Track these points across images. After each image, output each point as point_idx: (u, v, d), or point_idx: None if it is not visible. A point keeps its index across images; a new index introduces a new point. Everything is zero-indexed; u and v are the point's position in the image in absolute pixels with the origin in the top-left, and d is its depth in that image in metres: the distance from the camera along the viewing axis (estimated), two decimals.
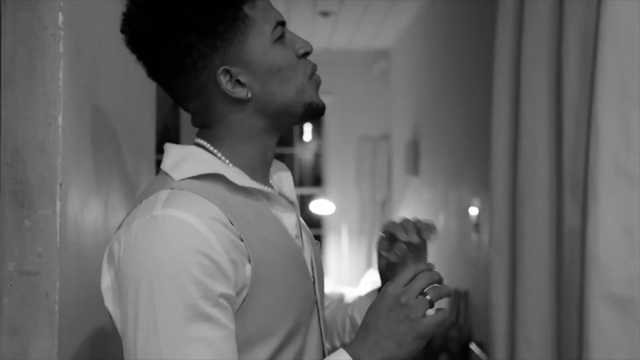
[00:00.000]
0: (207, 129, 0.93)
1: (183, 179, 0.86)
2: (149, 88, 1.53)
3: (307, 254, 0.99)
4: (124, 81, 1.30)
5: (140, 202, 0.86)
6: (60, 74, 0.97)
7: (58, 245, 0.94)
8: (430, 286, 0.91)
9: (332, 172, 6.05)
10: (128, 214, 0.87)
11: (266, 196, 0.93)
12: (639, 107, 1.38)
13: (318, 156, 6.35)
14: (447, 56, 3.95)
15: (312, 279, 0.98)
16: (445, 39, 4.00)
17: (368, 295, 1.15)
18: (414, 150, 4.64)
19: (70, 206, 0.99)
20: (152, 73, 0.92)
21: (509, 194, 1.91)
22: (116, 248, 0.83)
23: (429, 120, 4.38)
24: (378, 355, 0.86)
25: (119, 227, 0.86)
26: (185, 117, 2.82)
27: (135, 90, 1.40)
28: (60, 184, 0.96)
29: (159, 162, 2.82)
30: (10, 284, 0.94)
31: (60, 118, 0.97)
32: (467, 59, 3.44)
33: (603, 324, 1.41)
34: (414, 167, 4.64)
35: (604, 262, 1.41)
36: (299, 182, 6.29)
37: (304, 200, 6.07)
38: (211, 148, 0.92)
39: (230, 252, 0.82)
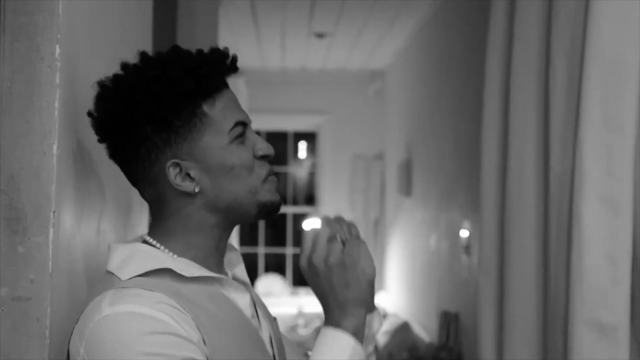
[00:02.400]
0: (158, 223, 0.96)
1: (131, 278, 0.88)
2: None
3: (265, 332, 1.00)
4: None
5: (86, 307, 0.88)
6: (56, 104, 0.99)
7: (50, 271, 0.96)
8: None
9: (325, 191, 6.07)
10: (77, 321, 0.88)
11: (218, 281, 0.95)
12: (622, 136, 1.41)
13: (312, 175, 6.37)
14: (439, 78, 4.00)
15: (273, 356, 0.99)
16: (438, 61, 4.05)
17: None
18: (407, 171, 4.67)
19: (62, 233, 1.01)
20: (112, 155, 0.96)
21: (498, 218, 1.94)
22: (73, 349, 0.85)
23: (421, 141, 4.42)
24: (351, 307, 0.88)
25: (73, 329, 0.87)
26: None
27: None
28: (54, 212, 0.98)
29: None
30: (2, 309, 0.95)
31: (55, 147, 0.99)
32: (459, 82, 3.49)
33: (587, 349, 1.43)
34: (406, 188, 4.67)
35: (588, 288, 1.44)
36: (292, 201, 6.31)
37: (297, 219, 6.09)
38: (158, 245, 0.94)
39: (189, 331, 0.84)
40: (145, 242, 0.95)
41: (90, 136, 1.02)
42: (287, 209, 6.17)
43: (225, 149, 0.92)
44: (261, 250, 6.20)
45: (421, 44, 4.48)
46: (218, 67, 0.93)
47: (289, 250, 6.19)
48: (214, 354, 0.85)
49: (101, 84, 0.94)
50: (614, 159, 1.42)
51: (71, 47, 1.04)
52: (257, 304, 1.02)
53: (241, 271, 1.03)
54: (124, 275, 0.88)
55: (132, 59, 0.95)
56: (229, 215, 0.95)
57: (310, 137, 6.28)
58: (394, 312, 4.74)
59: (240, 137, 0.94)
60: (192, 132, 0.91)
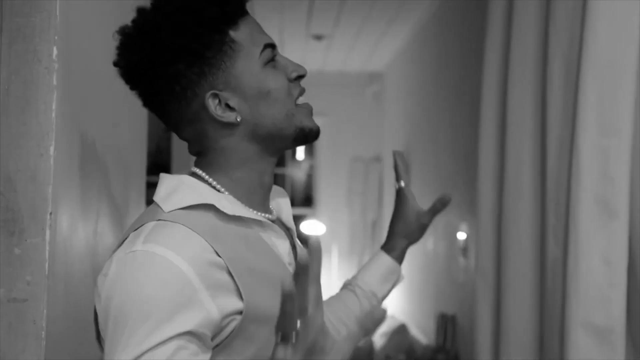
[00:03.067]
0: (203, 157, 0.94)
1: (172, 210, 0.86)
2: (140, 114, 1.56)
3: None
4: (114, 109, 1.33)
5: (129, 234, 0.87)
6: (54, 106, 1.00)
7: (46, 273, 0.96)
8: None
9: (323, 193, 6.07)
10: (119, 245, 0.87)
11: (259, 224, 0.93)
12: (618, 139, 1.41)
13: (310, 176, 6.38)
14: (437, 81, 4.00)
15: None
16: (436, 63, 4.06)
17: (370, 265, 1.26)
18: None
19: (59, 234, 1.01)
20: (146, 102, 0.93)
21: (495, 220, 1.94)
22: (100, 279, 0.84)
23: (419, 144, 4.43)
24: None
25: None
26: (177, 139, 2.84)
27: (126, 116, 1.43)
28: (50, 213, 0.98)
29: (150, 185, 2.85)
30: None
31: (52, 148, 0.99)
32: (457, 84, 3.49)
33: (583, 352, 1.44)
34: None
35: (584, 291, 1.44)
36: (290, 203, 6.31)
37: (295, 221, 6.08)
38: (206, 177, 0.92)
39: (211, 288, 0.81)
40: (194, 174, 0.93)
41: (87, 137, 1.02)
42: None
43: (259, 74, 0.91)
44: None
45: (419, 46, 4.48)
46: None
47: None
48: (248, 304, 0.83)
49: (122, 31, 0.91)
50: (610, 162, 1.42)
51: (68, 48, 1.05)
52: (298, 249, 1.00)
53: (287, 215, 1.02)
54: (167, 207, 0.87)
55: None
56: (270, 144, 0.93)
57: None
58: (391, 314, 4.74)
59: (272, 61, 0.93)
60: (225, 61, 0.89)
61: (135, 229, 0.86)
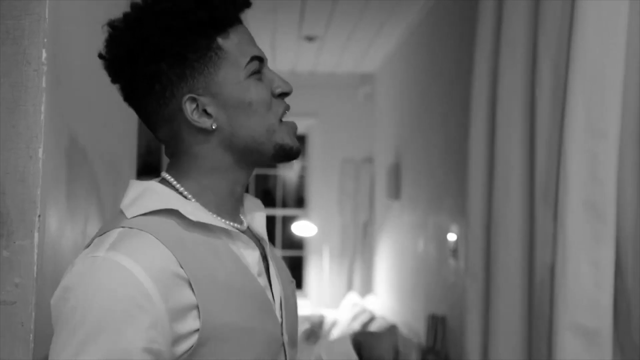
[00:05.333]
0: (175, 161, 0.92)
1: (135, 217, 0.84)
2: (129, 115, 1.56)
3: (276, 293, 0.95)
4: (104, 110, 1.33)
5: (94, 240, 0.85)
6: (42, 108, 1.00)
7: (35, 275, 0.96)
8: None
9: (314, 194, 6.07)
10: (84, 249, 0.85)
11: (226, 233, 0.91)
12: (605, 141, 1.43)
13: (301, 177, 6.38)
14: (428, 83, 4.01)
15: (280, 319, 0.94)
16: (427, 65, 4.07)
17: (337, 339, 1.14)
18: (396, 175, 4.69)
19: (48, 236, 1.01)
20: (126, 97, 0.92)
21: (485, 222, 1.95)
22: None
23: (410, 145, 4.44)
24: None
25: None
26: None
27: (115, 118, 1.43)
28: (39, 215, 0.98)
29: None
30: None
31: (40, 151, 0.99)
32: (448, 86, 3.51)
33: (570, 353, 1.45)
34: (395, 191, 4.68)
35: (572, 293, 1.45)
36: (282, 204, 6.32)
37: (286, 222, 6.09)
38: (174, 182, 0.90)
39: (170, 302, 0.79)
40: (163, 179, 0.92)
41: (76, 139, 1.02)
42: (277, 212, 6.17)
43: (242, 84, 0.89)
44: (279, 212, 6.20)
45: (411, 48, 4.49)
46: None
47: (279, 253, 6.19)
48: (209, 317, 0.81)
49: (111, 24, 0.90)
50: (598, 165, 1.44)
51: (58, 51, 1.05)
52: (271, 260, 0.98)
53: (260, 226, 0.98)
54: (130, 212, 0.85)
55: None
56: (246, 156, 0.91)
57: (300, 140, 6.25)
58: (381, 315, 4.75)
59: (257, 74, 0.91)
60: (208, 66, 0.88)
61: (100, 235, 0.84)
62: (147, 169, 2.98)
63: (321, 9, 3.97)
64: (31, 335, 0.95)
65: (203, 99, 0.88)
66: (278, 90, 0.93)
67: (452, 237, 3.29)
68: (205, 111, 0.89)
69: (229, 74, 0.89)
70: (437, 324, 3.47)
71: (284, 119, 0.94)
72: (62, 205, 1.08)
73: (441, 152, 3.59)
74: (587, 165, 1.45)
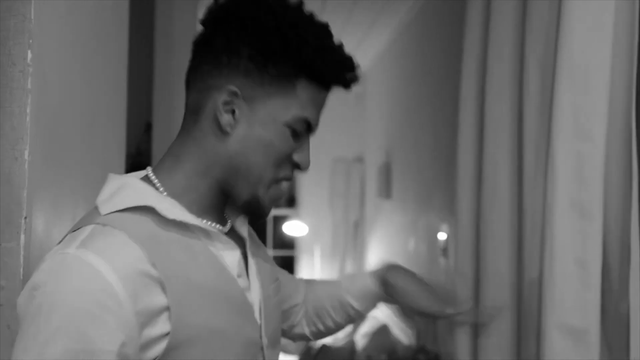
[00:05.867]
0: (168, 153, 0.90)
1: (109, 213, 0.82)
2: (118, 116, 1.56)
3: (255, 294, 0.93)
4: (91, 111, 1.32)
5: (66, 235, 0.83)
6: (28, 110, 0.99)
7: (21, 277, 0.96)
8: None
9: (305, 193, 6.07)
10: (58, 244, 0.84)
11: (205, 233, 0.88)
12: (592, 143, 1.43)
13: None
14: (419, 82, 4.02)
15: (259, 322, 0.92)
16: (418, 65, 4.08)
17: (359, 278, 1.19)
18: (387, 174, 4.69)
19: (34, 238, 1.01)
20: (198, 43, 0.89)
21: (474, 222, 1.96)
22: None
23: (401, 145, 4.44)
24: None
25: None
26: (157, 141, 2.83)
27: (103, 118, 1.42)
28: (25, 217, 0.97)
29: None
30: None
31: (26, 152, 0.99)
32: (438, 85, 3.51)
33: (558, 353, 1.45)
34: (386, 191, 4.69)
35: (559, 293, 1.46)
36: None
37: (277, 221, 6.08)
38: (154, 179, 0.88)
39: (140, 304, 0.77)
40: (146, 176, 0.90)
41: (62, 140, 1.02)
42: None
43: (279, 125, 0.87)
44: None
45: (401, 48, 4.50)
46: (347, 73, 0.94)
47: (269, 252, 6.18)
48: (184, 318, 0.79)
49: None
50: (585, 166, 1.44)
51: (43, 51, 1.04)
52: (252, 259, 0.96)
53: (241, 225, 0.97)
54: (104, 209, 0.83)
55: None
56: (228, 182, 0.89)
57: None
58: (372, 315, 4.76)
59: (297, 134, 0.90)
60: (272, 87, 0.86)
61: (74, 231, 0.82)
62: (137, 169, 2.97)
63: (310, 7, 3.96)
64: None
65: (241, 103, 0.86)
66: (297, 159, 0.92)
67: (442, 236, 3.30)
68: (233, 112, 0.87)
69: (278, 110, 0.87)
70: (427, 323, 3.48)
71: (282, 185, 0.93)
72: (48, 207, 1.08)
73: (431, 152, 3.60)
74: (574, 165, 1.45)
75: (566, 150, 1.46)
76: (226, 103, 0.86)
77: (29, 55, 0.99)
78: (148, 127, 2.96)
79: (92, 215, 0.84)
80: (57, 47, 1.12)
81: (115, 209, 0.83)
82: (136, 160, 2.95)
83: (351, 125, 5.88)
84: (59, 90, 1.13)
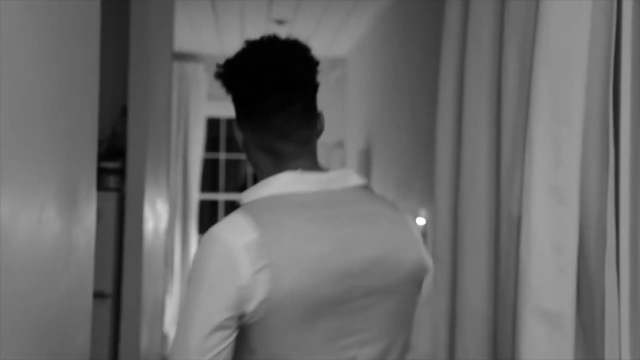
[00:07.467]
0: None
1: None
2: (90, 97, 1.52)
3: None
4: (61, 92, 1.28)
5: None
6: None
7: None
8: None
9: None
10: None
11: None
12: (569, 127, 1.43)
13: None
14: (398, 67, 4.01)
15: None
16: (397, 50, 4.06)
17: None
18: (366, 159, 4.69)
19: (1, 223, 0.98)
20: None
21: (452, 207, 1.96)
22: None
23: (380, 130, 4.44)
24: None
25: None
26: (133, 124, 2.79)
27: (74, 101, 1.39)
28: None
29: (102, 171, 2.80)
30: None
31: None
32: (417, 71, 3.50)
33: (534, 337, 1.46)
34: (366, 176, 4.69)
35: (535, 277, 1.46)
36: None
37: None
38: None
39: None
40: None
41: (31, 126, 0.98)
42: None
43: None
44: (221, 197, 6.25)
45: (381, 32, 4.48)
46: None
47: None
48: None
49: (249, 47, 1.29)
50: (562, 150, 1.44)
51: (9, 30, 1.01)
52: None
53: None
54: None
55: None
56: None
57: None
58: None
59: None
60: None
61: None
62: (112, 153, 2.94)
63: None
64: None
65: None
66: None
67: (421, 221, 3.30)
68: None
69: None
70: None
71: None
72: (15, 192, 1.05)
73: (411, 137, 3.60)
74: (552, 150, 1.45)
75: (544, 134, 1.46)
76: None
77: None
78: (124, 111, 2.92)
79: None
80: (24, 27, 1.08)
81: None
82: (111, 144, 2.91)
83: (331, 111, 5.83)
84: (28, 71, 1.09)
